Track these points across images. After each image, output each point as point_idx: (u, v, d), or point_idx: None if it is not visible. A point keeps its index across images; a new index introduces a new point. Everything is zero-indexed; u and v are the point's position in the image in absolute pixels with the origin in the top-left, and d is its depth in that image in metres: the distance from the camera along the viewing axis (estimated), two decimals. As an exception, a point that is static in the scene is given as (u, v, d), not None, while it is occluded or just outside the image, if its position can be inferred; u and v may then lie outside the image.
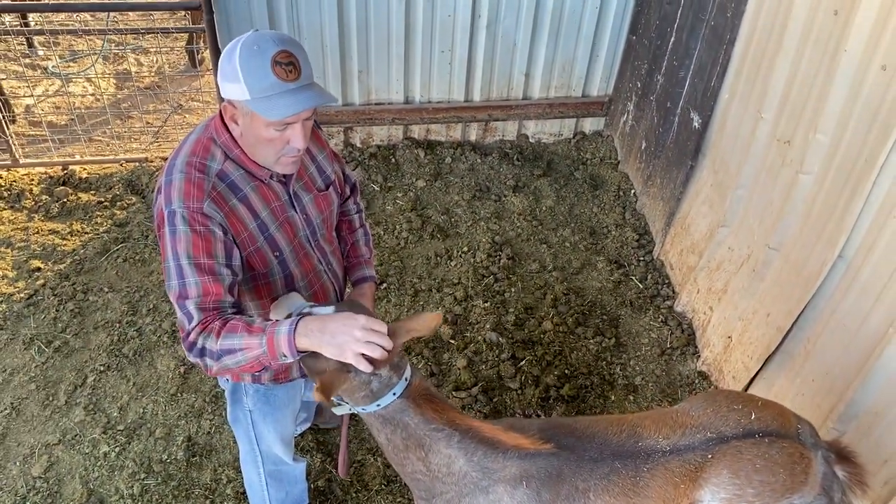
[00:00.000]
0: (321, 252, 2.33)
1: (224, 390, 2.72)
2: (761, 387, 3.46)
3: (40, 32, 4.67)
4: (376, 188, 4.81)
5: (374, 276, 2.55)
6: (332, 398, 1.90)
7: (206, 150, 2.02)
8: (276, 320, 1.94)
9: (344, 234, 2.56)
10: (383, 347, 1.83)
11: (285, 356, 1.87)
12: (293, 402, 2.64)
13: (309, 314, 1.94)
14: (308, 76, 1.91)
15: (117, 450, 3.36)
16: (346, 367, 1.90)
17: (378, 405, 2.00)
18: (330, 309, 1.98)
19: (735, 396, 2.31)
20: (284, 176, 2.16)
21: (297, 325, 1.86)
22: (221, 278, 1.95)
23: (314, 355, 1.92)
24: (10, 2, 4.52)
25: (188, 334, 1.92)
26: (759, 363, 3.42)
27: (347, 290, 2.62)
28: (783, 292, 3.31)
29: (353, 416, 3.54)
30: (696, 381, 3.89)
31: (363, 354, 1.83)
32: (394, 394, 1.99)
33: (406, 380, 2.02)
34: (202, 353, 1.91)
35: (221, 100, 1.98)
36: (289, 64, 1.85)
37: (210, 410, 3.54)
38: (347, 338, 1.82)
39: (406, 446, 2.06)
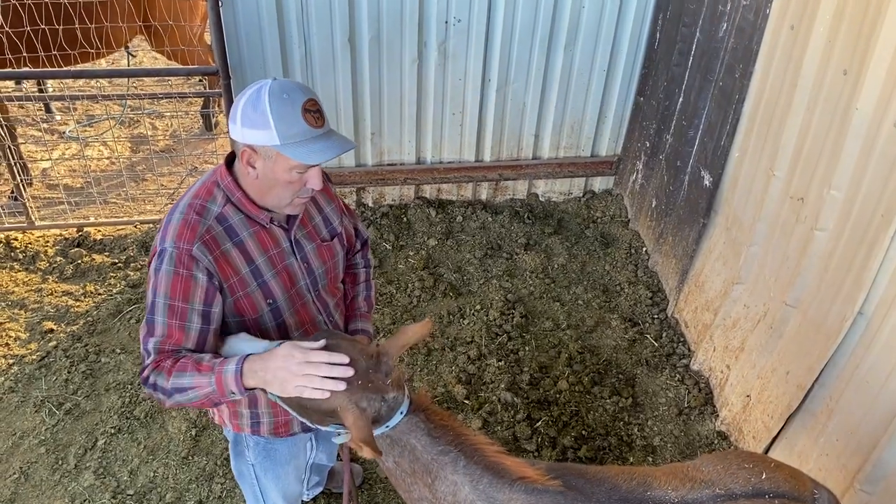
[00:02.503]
0: (322, 304, 2.32)
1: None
2: (783, 447, 3.39)
3: (60, 98, 4.78)
4: (388, 247, 4.83)
5: (368, 330, 2.52)
6: (370, 443, 1.86)
7: (209, 193, 2.07)
8: (224, 359, 1.96)
9: (347, 287, 2.56)
10: (336, 376, 1.84)
11: (234, 393, 1.91)
12: (296, 459, 2.59)
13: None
14: (329, 123, 2.00)
15: (127, 515, 3.29)
16: (358, 403, 1.89)
17: (387, 426, 1.98)
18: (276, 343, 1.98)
19: (747, 456, 2.28)
20: (287, 221, 2.18)
21: (243, 363, 1.90)
22: (188, 326, 2.00)
23: (309, 399, 1.91)
24: (30, 69, 4.64)
25: (143, 369, 2.00)
26: (781, 422, 3.36)
27: None
28: (802, 349, 3.27)
29: (361, 482, 3.48)
30: (716, 442, 3.81)
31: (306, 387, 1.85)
32: (401, 413, 1.98)
33: (408, 397, 2.01)
34: (155, 387, 1.98)
35: (233, 142, 2.02)
36: (316, 112, 1.93)
37: (221, 474, 3.48)
38: (286, 374, 1.84)
39: (413, 471, 2.04)
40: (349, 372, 1.86)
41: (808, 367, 3.19)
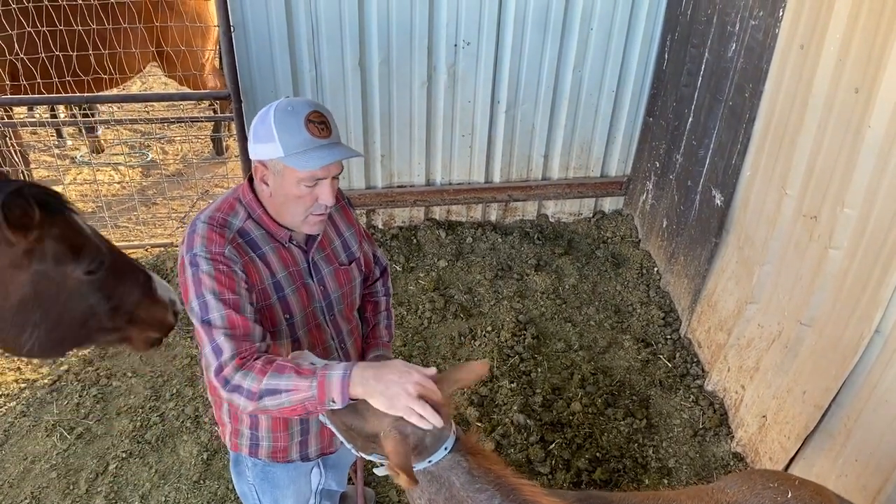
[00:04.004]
0: (336, 328, 2.31)
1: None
2: (801, 468, 3.35)
3: (73, 123, 4.82)
4: (399, 269, 4.83)
5: (388, 358, 2.47)
6: (408, 470, 1.76)
7: (231, 208, 2.09)
8: (327, 363, 1.86)
9: (367, 315, 2.55)
10: (434, 404, 1.76)
11: (334, 402, 1.80)
12: (295, 485, 2.55)
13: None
14: (337, 136, 1.99)
15: (138, 541, 3.27)
16: (401, 429, 1.81)
17: (429, 461, 1.87)
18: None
19: (771, 475, 2.25)
20: (306, 243, 2.18)
21: (352, 370, 1.80)
22: (246, 312, 1.94)
23: (357, 416, 1.85)
24: (43, 95, 4.68)
25: (220, 368, 1.88)
26: (798, 443, 3.32)
27: None
28: (819, 369, 3.24)
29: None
30: (732, 463, 3.77)
31: (414, 410, 1.75)
32: (445, 448, 1.87)
33: (454, 434, 1.92)
34: (238, 389, 1.86)
35: (250, 162, 2.04)
36: (321, 123, 1.93)
37: (233, 498, 3.45)
38: (400, 390, 1.74)
39: None
40: (441, 398, 1.78)
41: (825, 387, 3.16)
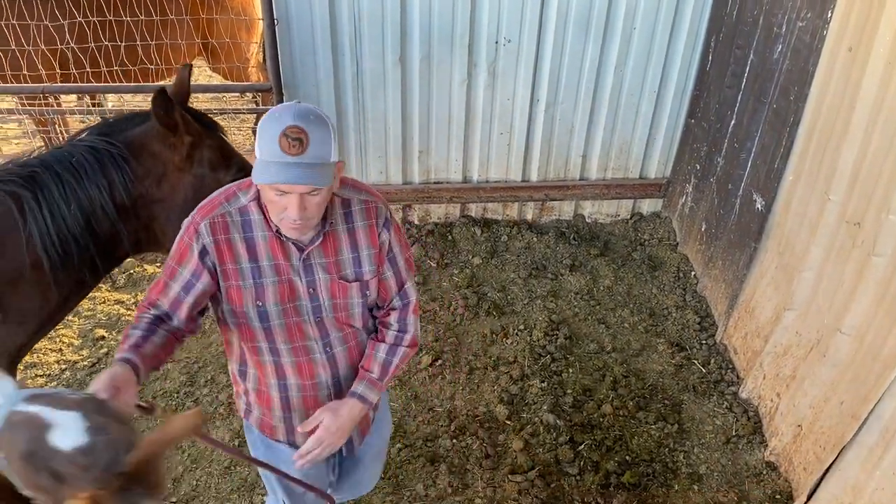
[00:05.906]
0: (322, 332, 2.24)
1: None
2: (836, 479, 3.27)
3: (119, 112, 4.95)
4: (433, 265, 4.84)
5: (363, 396, 2.27)
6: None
7: (248, 185, 2.11)
8: (129, 347, 1.98)
9: (373, 339, 2.39)
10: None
11: None
12: (285, 465, 2.42)
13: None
14: (315, 156, 1.85)
15: (169, 522, 3.33)
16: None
17: None
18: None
19: None
20: (309, 242, 2.12)
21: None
22: (170, 285, 2.12)
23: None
24: (91, 84, 4.80)
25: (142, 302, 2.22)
26: (834, 454, 3.25)
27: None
28: (857, 378, 3.16)
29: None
30: (764, 472, 3.70)
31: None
32: None
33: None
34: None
35: None
36: (296, 139, 1.83)
37: (262, 485, 3.50)
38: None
39: None
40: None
41: (864, 397, 3.09)
